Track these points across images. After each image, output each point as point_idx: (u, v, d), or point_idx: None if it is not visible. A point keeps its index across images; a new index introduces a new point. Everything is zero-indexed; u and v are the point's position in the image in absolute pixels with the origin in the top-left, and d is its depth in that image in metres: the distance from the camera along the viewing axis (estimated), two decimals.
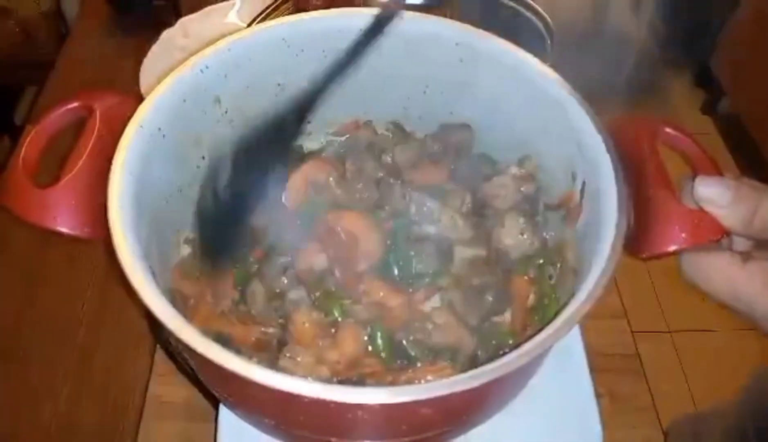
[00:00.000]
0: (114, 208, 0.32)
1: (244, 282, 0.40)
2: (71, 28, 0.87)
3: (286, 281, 0.38)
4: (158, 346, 0.48)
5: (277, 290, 0.38)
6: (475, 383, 0.26)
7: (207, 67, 0.39)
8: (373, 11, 0.38)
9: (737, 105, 1.40)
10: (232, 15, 0.71)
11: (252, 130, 0.35)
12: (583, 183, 0.38)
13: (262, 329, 0.38)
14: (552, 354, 0.35)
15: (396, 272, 0.40)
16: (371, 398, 0.26)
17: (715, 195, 0.31)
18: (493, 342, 0.38)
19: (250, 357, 0.37)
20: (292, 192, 0.43)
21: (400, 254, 0.40)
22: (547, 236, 0.42)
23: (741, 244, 0.33)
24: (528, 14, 0.56)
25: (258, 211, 0.35)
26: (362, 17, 0.41)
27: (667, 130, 0.36)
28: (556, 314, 0.30)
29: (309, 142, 0.48)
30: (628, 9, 1.73)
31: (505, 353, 0.28)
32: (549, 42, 0.55)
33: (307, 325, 0.36)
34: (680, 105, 1.55)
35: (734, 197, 0.31)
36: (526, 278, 0.41)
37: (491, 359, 0.29)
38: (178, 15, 0.72)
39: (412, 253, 0.39)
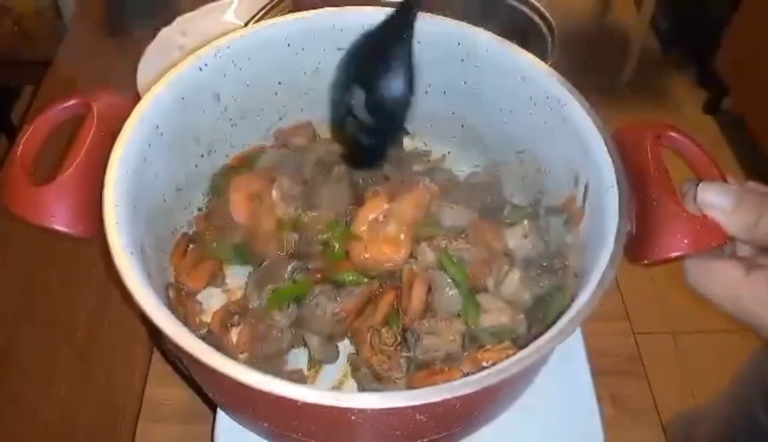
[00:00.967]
0: (109, 206, 0.32)
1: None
2: (68, 26, 0.87)
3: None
4: (155, 348, 0.48)
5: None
6: (473, 389, 0.26)
7: (206, 65, 0.39)
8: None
9: (740, 104, 1.40)
10: (230, 14, 0.70)
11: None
12: (586, 186, 0.37)
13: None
14: (553, 356, 0.34)
15: None
16: (363, 404, 0.26)
17: (718, 201, 0.31)
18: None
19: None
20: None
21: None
22: (550, 240, 0.42)
23: (745, 250, 0.33)
24: (530, 13, 0.55)
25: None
26: (364, 15, 0.41)
27: (671, 134, 0.36)
28: (557, 317, 0.30)
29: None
30: (630, 8, 1.72)
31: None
32: (550, 41, 0.54)
33: None
34: (682, 104, 1.55)
35: (737, 203, 0.30)
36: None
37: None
38: (176, 13, 0.71)
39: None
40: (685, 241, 0.31)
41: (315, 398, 0.26)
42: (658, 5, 1.51)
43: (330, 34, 0.42)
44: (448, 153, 0.48)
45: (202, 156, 0.43)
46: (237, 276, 0.43)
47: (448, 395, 0.26)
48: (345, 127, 0.38)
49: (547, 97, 0.39)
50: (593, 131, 0.36)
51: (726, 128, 1.46)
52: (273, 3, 0.59)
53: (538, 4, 0.55)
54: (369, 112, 0.37)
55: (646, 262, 0.32)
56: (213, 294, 0.43)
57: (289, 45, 0.41)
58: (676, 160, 0.36)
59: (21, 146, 0.34)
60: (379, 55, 0.37)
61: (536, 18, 0.56)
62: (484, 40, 0.40)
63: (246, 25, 0.58)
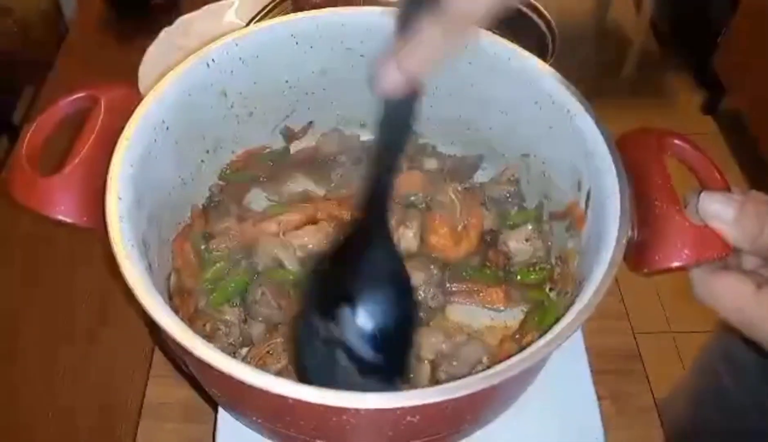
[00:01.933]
0: (112, 200, 0.32)
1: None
2: (69, 27, 0.87)
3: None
4: (156, 347, 0.48)
5: None
6: (472, 390, 0.26)
7: (214, 61, 0.39)
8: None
9: (738, 104, 1.40)
10: (231, 14, 0.71)
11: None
12: (588, 192, 0.37)
13: None
14: (553, 355, 0.35)
15: None
16: (365, 404, 0.26)
17: (720, 211, 0.30)
18: None
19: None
20: None
21: None
22: (551, 244, 0.42)
23: (750, 261, 0.32)
24: (529, 12, 0.55)
25: None
26: (372, 15, 0.41)
27: (676, 141, 0.36)
28: (556, 321, 0.30)
29: (301, 143, 0.48)
30: (629, 8, 1.73)
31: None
32: (550, 41, 0.54)
33: None
34: (681, 104, 1.55)
35: (740, 213, 0.30)
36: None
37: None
38: (177, 14, 0.71)
39: None
40: (686, 251, 0.31)
41: (308, 397, 0.26)
42: (657, 6, 1.52)
43: (338, 34, 0.42)
44: (454, 156, 0.48)
45: (208, 152, 0.43)
46: None
47: (446, 397, 0.26)
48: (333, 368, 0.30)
49: (553, 102, 0.39)
50: (597, 137, 0.36)
51: (724, 128, 1.46)
52: (274, 3, 0.59)
53: (537, 4, 0.56)
54: (366, 339, 0.29)
55: (646, 271, 0.32)
56: None
57: (297, 43, 0.41)
58: (680, 169, 0.36)
59: (28, 137, 0.34)
60: (364, 261, 0.30)
61: (536, 17, 0.56)
62: (492, 43, 0.40)
63: (247, 25, 0.58)
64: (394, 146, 0.30)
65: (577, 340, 0.43)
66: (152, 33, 0.67)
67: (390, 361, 0.31)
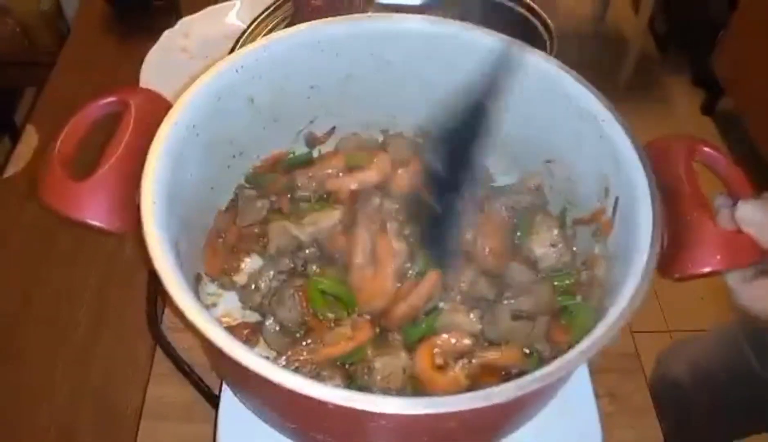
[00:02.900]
0: (147, 204, 0.32)
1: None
2: (71, 28, 0.87)
3: None
4: (157, 346, 0.48)
5: None
6: (511, 396, 0.26)
7: (243, 67, 0.39)
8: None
9: (737, 105, 1.40)
10: (233, 15, 0.71)
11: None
12: (616, 199, 0.37)
13: None
14: None
15: None
16: (391, 408, 0.26)
17: (757, 217, 0.31)
18: None
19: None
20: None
21: None
22: (577, 250, 0.42)
23: None
24: (528, 15, 0.56)
25: None
26: (399, 22, 0.41)
27: (705, 149, 0.36)
28: (581, 329, 0.30)
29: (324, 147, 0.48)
30: (628, 10, 1.73)
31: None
32: (549, 42, 0.55)
33: None
34: (680, 105, 1.55)
35: None
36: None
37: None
38: (179, 15, 0.72)
39: None
40: (718, 257, 0.31)
41: (344, 401, 0.26)
42: (656, 7, 1.52)
43: (364, 40, 0.42)
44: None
45: (234, 157, 0.43)
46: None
47: (479, 404, 0.26)
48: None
49: (580, 109, 0.39)
50: (626, 144, 0.36)
51: (723, 129, 1.46)
52: (276, 5, 0.59)
53: (536, 6, 0.56)
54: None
55: (677, 276, 0.32)
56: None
57: (323, 50, 0.42)
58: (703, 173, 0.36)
59: (59, 142, 0.34)
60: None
61: (534, 20, 0.56)
62: (515, 49, 0.40)
63: (249, 26, 0.59)
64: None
65: None
66: (154, 34, 0.67)
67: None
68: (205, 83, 0.38)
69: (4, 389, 0.49)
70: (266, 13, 0.59)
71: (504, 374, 0.37)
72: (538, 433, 0.39)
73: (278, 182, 0.45)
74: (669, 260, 0.33)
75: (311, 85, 0.44)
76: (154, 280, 0.51)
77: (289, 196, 0.44)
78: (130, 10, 0.76)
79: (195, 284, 0.40)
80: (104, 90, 0.37)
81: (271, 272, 0.40)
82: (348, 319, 0.38)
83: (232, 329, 0.41)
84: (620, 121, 0.37)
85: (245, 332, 0.41)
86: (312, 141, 0.48)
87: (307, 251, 0.42)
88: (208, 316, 0.29)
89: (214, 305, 0.42)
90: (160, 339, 0.48)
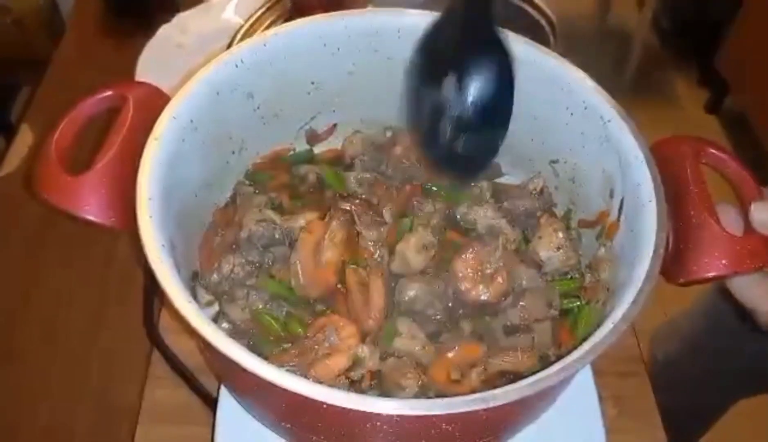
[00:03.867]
0: (142, 200, 0.31)
1: None
2: (67, 25, 0.87)
3: None
4: (154, 348, 0.48)
5: None
6: (510, 399, 0.26)
7: (242, 62, 0.39)
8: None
9: (742, 103, 1.40)
10: (230, 11, 0.70)
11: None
12: (622, 200, 0.37)
13: None
14: None
15: None
16: (390, 410, 0.26)
17: None
18: None
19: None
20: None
21: None
22: (582, 253, 0.41)
23: None
24: (532, 11, 0.55)
25: None
26: (402, 18, 0.41)
27: (712, 150, 0.35)
28: (586, 329, 0.29)
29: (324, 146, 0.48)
30: (632, 7, 1.72)
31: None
32: (552, 40, 0.54)
33: None
34: (684, 103, 1.55)
35: None
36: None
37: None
38: (175, 11, 0.71)
39: None
40: (724, 261, 0.31)
41: (342, 402, 0.26)
42: (660, 4, 1.51)
43: (366, 36, 0.41)
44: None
45: (233, 153, 0.43)
46: None
47: (478, 407, 0.26)
48: (438, 134, 0.33)
49: (585, 108, 0.38)
50: (632, 145, 0.35)
51: (728, 127, 1.46)
52: (274, 0, 0.59)
53: (540, 3, 0.55)
54: (470, 107, 0.31)
55: (682, 281, 0.32)
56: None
57: (324, 45, 0.41)
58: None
59: (56, 136, 0.34)
60: (468, 36, 0.32)
61: (538, 16, 0.55)
62: (520, 46, 0.40)
63: (246, 22, 0.58)
64: None
65: None
66: (150, 30, 0.67)
67: (483, 136, 0.33)
68: (204, 78, 0.37)
69: (2, 391, 0.48)
70: (264, 8, 0.58)
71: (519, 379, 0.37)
72: (542, 435, 0.39)
73: (278, 180, 0.44)
74: (674, 263, 0.32)
75: (312, 80, 0.43)
76: (150, 281, 0.50)
77: (288, 193, 0.44)
78: (126, 6, 0.75)
79: (192, 282, 0.40)
80: (101, 86, 0.36)
81: (238, 259, 0.39)
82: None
83: None
84: (626, 122, 0.36)
85: None
86: (313, 138, 0.47)
87: (275, 251, 0.40)
88: (204, 315, 0.29)
89: (211, 304, 0.41)
90: (156, 341, 0.47)
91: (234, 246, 0.41)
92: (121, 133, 0.34)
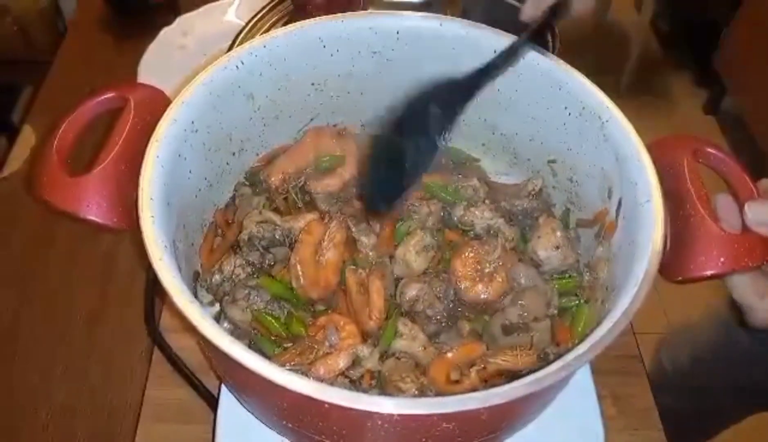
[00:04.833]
0: (144, 200, 0.32)
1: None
2: (69, 26, 0.87)
3: None
4: (156, 347, 0.48)
5: None
6: (507, 398, 0.26)
7: (242, 63, 0.39)
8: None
9: (740, 104, 1.40)
10: (231, 13, 0.70)
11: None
12: (620, 200, 0.37)
13: None
14: None
15: None
16: (390, 409, 0.26)
17: None
18: None
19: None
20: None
21: None
22: (580, 252, 0.41)
23: None
24: None
25: None
26: (400, 19, 0.41)
27: (709, 150, 0.35)
28: (584, 328, 0.29)
29: None
30: (630, 9, 1.73)
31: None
32: (551, 41, 0.54)
33: None
34: (682, 104, 1.55)
35: None
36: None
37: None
38: (177, 13, 0.71)
39: None
40: (721, 260, 0.31)
41: (344, 401, 0.26)
42: (658, 5, 1.51)
43: (366, 38, 0.41)
44: (480, 160, 0.48)
45: (234, 154, 0.43)
46: None
47: (476, 406, 0.26)
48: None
49: (583, 108, 0.38)
50: (630, 145, 0.35)
51: (726, 128, 1.46)
52: (275, 2, 0.59)
53: None
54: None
55: (679, 279, 0.32)
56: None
57: (324, 46, 0.41)
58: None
59: (58, 137, 0.34)
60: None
61: None
62: (520, 47, 0.39)
63: (247, 24, 0.58)
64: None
65: None
66: (152, 32, 0.67)
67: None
68: (205, 80, 0.37)
69: (3, 390, 0.48)
70: (265, 10, 0.59)
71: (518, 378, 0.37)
72: (541, 434, 0.39)
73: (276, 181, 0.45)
74: (671, 262, 0.32)
75: (312, 82, 0.44)
76: (151, 280, 0.50)
77: (284, 197, 0.44)
78: (128, 7, 0.75)
79: (193, 281, 0.40)
80: (102, 87, 0.37)
81: (239, 260, 0.40)
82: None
83: None
84: (624, 121, 0.36)
85: None
86: None
87: (276, 252, 0.41)
88: (205, 314, 0.29)
89: (212, 304, 0.42)
90: (157, 340, 0.47)
91: (235, 247, 0.41)
92: (122, 134, 0.34)
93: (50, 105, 0.67)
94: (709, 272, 0.31)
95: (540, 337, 0.37)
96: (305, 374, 0.34)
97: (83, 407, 0.47)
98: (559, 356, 0.29)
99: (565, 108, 0.40)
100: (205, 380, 0.45)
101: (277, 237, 0.40)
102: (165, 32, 0.67)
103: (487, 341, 0.38)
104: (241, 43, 0.56)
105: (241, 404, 0.38)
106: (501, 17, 0.51)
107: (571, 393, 0.39)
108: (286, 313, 0.39)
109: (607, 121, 0.37)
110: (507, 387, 0.27)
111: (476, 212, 0.41)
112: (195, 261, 0.41)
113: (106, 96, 0.36)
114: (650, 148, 0.35)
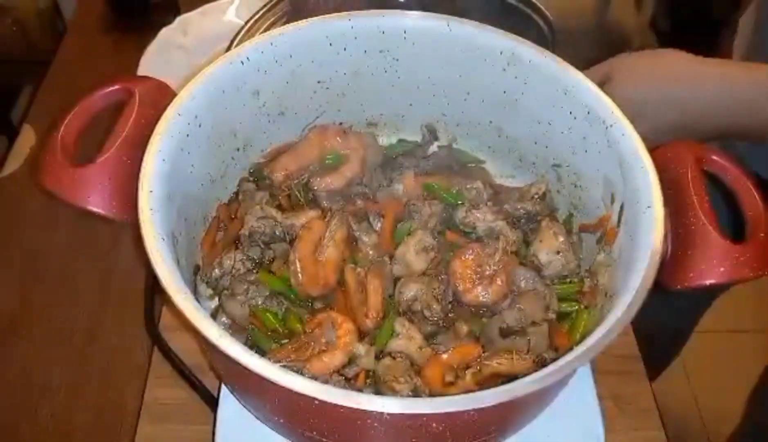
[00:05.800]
0: (144, 193, 0.32)
1: None
2: (68, 26, 0.87)
3: None
4: (155, 347, 0.48)
5: None
6: (502, 400, 0.26)
7: (248, 60, 0.39)
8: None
9: None
10: (231, 12, 0.70)
11: None
12: (622, 206, 0.37)
13: None
14: None
15: None
16: (390, 408, 0.26)
17: None
18: None
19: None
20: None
21: None
22: (582, 257, 0.41)
23: None
24: (529, 12, 0.55)
25: None
26: (408, 19, 0.41)
27: (713, 157, 0.35)
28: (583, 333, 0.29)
29: None
30: (630, 8, 1.73)
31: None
32: (550, 40, 0.54)
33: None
34: None
35: None
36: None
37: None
38: (177, 13, 0.71)
39: None
40: (722, 269, 0.31)
41: (337, 399, 0.26)
42: (658, 5, 1.51)
43: (373, 36, 0.41)
44: (485, 162, 0.48)
45: (238, 150, 0.43)
46: None
47: (467, 407, 0.26)
48: None
49: (588, 113, 0.38)
50: (634, 151, 0.35)
51: None
52: (274, 2, 0.59)
53: (537, 3, 0.55)
54: None
55: (678, 287, 0.32)
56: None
57: (331, 44, 0.41)
58: None
59: (62, 128, 0.34)
60: None
61: (536, 17, 0.56)
62: (526, 50, 0.40)
63: (246, 24, 0.58)
64: None
65: None
66: (151, 32, 0.67)
67: None
68: (210, 74, 0.37)
69: (3, 389, 0.48)
70: (264, 10, 0.59)
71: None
72: (541, 433, 0.39)
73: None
74: (672, 269, 0.32)
75: (318, 80, 0.43)
76: (152, 279, 0.50)
77: (287, 193, 0.44)
78: (128, 7, 0.75)
79: (193, 276, 0.40)
80: (107, 80, 0.36)
81: (239, 255, 0.39)
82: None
83: None
84: (628, 126, 0.36)
85: None
86: None
87: (276, 248, 0.40)
88: (198, 305, 0.29)
89: (212, 298, 0.41)
90: (157, 340, 0.47)
91: (236, 242, 0.41)
92: (126, 126, 0.34)
93: (50, 105, 0.67)
94: (708, 282, 0.31)
95: (537, 341, 0.37)
96: (301, 370, 0.34)
97: (83, 407, 0.47)
98: (555, 361, 0.28)
99: (571, 112, 0.40)
100: (205, 380, 0.45)
101: (278, 233, 0.40)
102: (165, 32, 0.67)
103: (484, 344, 0.38)
104: (239, 43, 0.56)
105: (241, 403, 0.38)
106: (500, 15, 0.51)
107: (571, 393, 0.39)
108: (284, 309, 0.38)
109: (611, 125, 0.37)
110: (498, 389, 0.27)
111: (478, 214, 0.41)
112: (196, 255, 0.41)
113: (111, 88, 0.36)
114: (654, 154, 0.35)
